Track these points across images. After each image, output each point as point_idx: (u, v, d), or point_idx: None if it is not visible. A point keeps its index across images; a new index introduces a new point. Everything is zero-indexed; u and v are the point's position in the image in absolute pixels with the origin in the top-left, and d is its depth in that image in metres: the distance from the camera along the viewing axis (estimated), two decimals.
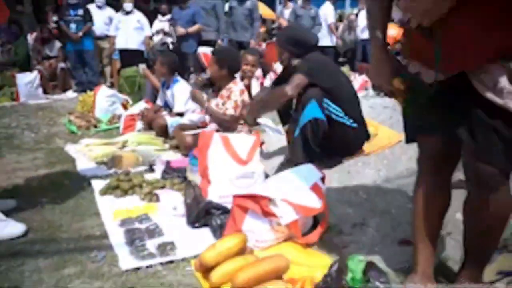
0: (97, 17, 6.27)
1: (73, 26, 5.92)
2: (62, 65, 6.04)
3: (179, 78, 3.70)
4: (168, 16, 6.41)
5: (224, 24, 6.18)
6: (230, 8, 6.35)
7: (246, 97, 2.86)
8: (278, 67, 6.34)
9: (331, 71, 2.38)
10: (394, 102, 3.29)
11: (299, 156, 2.16)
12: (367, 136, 2.41)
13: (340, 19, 9.49)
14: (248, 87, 3.46)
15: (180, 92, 3.54)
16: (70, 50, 6.04)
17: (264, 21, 11.79)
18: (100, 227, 1.82)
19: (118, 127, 3.91)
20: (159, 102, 3.93)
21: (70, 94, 5.91)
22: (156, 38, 6.59)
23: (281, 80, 2.55)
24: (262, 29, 9.94)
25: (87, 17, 6.01)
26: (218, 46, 3.66)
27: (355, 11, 7.68)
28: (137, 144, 3.15)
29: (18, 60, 6.01)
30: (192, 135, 2.73)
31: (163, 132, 3.49)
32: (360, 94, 5.94)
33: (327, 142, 2.22)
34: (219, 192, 1.88)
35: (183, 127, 3.16)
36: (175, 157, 2.89)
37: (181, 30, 5.68)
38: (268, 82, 5.80)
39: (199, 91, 2.94)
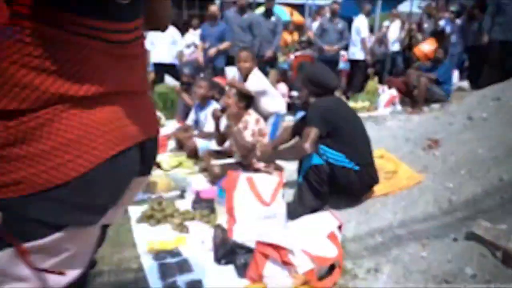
0: None
1: None
2: None
3: (214, 101, 3.89)
4: (199, 31, 6.66)
5: (259, 41, 6.38)
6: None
7: (262, 125, 3.02)
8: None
9: (337, 114, 2.41)
10: (417, 134, 3.36)
11: (308, 200, 2.27)
12: (375, 179, 2.45)
13: (370, 29, 9.45)
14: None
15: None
16: None
17: (298, 28, 11.87)
18: (136, 259, 2.03)
19: None
20: (189, 121, 4.16)
21: None
22: (187, 51, 6.86)
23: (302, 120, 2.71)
24: (294, 37, 10.04)
25: None
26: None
27: (387, 23, 7.65)
28: (169, 167, 3.38)
29: None
30: (220, 166, 2.92)
31: (194, 154, 3.71)
32: (388, 110, 6.05)
33: (333, 183, 2.33)
34: (243, 231, 2.05)
35: (211, 153, 3.36)
36: (204, 183, 3.09)
37: (211, 51, 5.90)
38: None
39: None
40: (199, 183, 3.07)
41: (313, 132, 2.27)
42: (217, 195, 2.52)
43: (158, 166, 3.49)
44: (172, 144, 4.07)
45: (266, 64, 6.71)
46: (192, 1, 12.50)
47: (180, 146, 3.98)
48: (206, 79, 3.98)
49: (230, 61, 6.32)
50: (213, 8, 5.99)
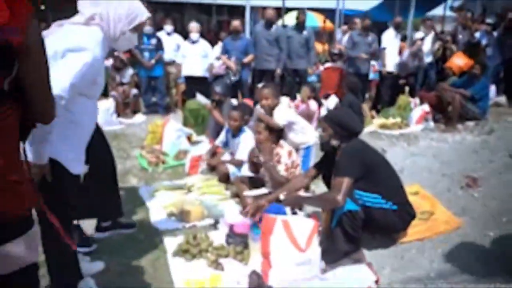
0: (166, 43, 6.73)
1: (146, 54, 6.43)
2: (134, 91, 6.57)
3: (247, 128, 3.90)
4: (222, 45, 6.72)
5: (285, 55, 6.38)
6: (287, 37, 6.53)
7: (294, 156, 3.03)
8: (332, 101, 6.41)
9: (369, 157, 2.40)
10: (454, 170, 3.25)
11: (342, 246, 2.25)
12: (412, 216, 2.42)
13: (403, 38, 9.25)
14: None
15: (246, 142, 3.75)
16: (143, 76, 6.57)
17: (330, 35, 11.74)
18: None
19: (183, 164, 4.26)
20: (218, 142, 4.20)
21: (140, 117, 6.42)
22: (217, 63, 6.94)
23: (323, 159, 2.70)
24: (326, 47, 9.94)
25: (159, 46, 6.48)
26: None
27: (420, 34, 7.46)
28: (201, 193, 3.44)
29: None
30: (252, 197, 2.95)
31: (225, 179, 3.76)
32: (420, 126, 5.91)
33: (369, 227, 2.31)
34: (279, 277, 2.08)
35: (243, 180, 3.39)
36: (236, 212, 3.12)
37: (231, 65, 5.94)
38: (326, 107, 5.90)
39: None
40: (232, 212, 3.09)
41: (345, 183, 2.24)
42: (251, 231, 2.56)
43: (189, 190, 3.57)
44: (203, 165, 4.14)
45: (297, 78, 6.72)
46: (221, 7, 12.58)
47: (212, 168, 4.04)
48: (238, 109, 3.95)
49: (255, 75, 6.39)
50: (236, 23, 6.10)
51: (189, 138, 5.01)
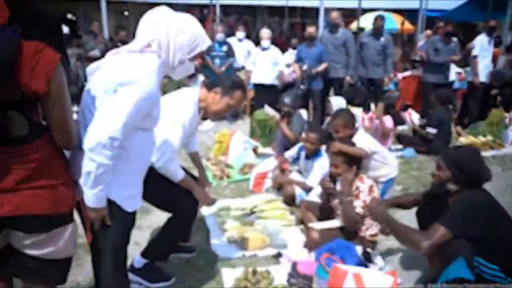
0: (237, 50, 6.66)
1: (217, 61, 6.41)
2: None
3: (324, 152, 3.58)
4: (295, 52, 6.45)
5: (354, 61, 5.96)
6: (362, 44, 6.08)
7: (375, 192, 2.68)
8: (414, 117, 5.84)
9: (490, 216, 1.99)
10: None
11: None
12: None
13: (499, 43, 8.26)
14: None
15: (320, 168, 3.45)
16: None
17: (408, 38, 10.92)
18: None
19: (248, 179, 4.10)
20: (288, 156, 3.95)
21: (208, 124, 6.41)
22: (287, 71, 6.71)
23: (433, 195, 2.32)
24: (399, 54, 9.25)
25: (230, 53, 6.43)
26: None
27: None
28: (263, 217, 3.24)
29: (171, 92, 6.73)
30: (319, 231, 2.67)
31: (291, 200, 3.52)
32: None
33: None
34: None
35: (310, 206, 3.13)
36: (300, 243, 2.88)
37: (300, 74, 5.64)
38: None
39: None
40: (295, 245, 2.86)
41: (442, 235, 1.88)
42: (316, 274, 2.29)
43: (252, 211, 3.39)
44: (268, 183, 3.94)
45: (372, 87, 6.24)
46: (294, 9, 12.33)
47: (278, 186, 3.82)
48: (315, 130, 3.60)
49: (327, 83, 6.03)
50: (311, 29, 5.72)
51: (255, 150, 4.86)
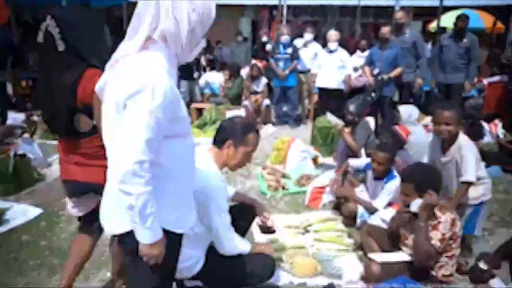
0: (303, 52, 6.38)
1: (281, 64, 6.18)
2: (266, 101, 6.41)
3: (396, 173, 3.10)
4: (367, 54, 5.96)
5: (426, 62, 5.36)
6: (442, 46, 5.43)
7: (457, 228, 2.25)
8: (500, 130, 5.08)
9: None
10: None
11: None
12: None
13: None
14: None
15: (391, 190, 3.03)
16: (276, 86, 6.35)
17: (498, 39, 9.70)
18: None
19: (304, 192, 3.82)
20: (352, 163, 3.54)
21: (269, 128, 6.22)
22: (354, 75, 6.27)
23: None
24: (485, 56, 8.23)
25: (295, 55, 6.17)
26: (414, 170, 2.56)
27: None
28: (318, 238, 2.95)
29: (233, 95, 6.64)
30: (381, 264, 2.31)
31: (351, 219, 3.18)
32: None
33: None
34: None
35: (372, 231, 2.76)
36: (357, 276, 2.55)
37: (370, 79, 5.15)
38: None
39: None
40: (351, 262, 2.54)
41: None
42: None
43: (305, 229, 3.11)
44: (326, 198, 3.62)
45: (450, 94, 5.56)
46: (367, 8, 11.67)
47: (337, 204, 3.48)
48: (385, 149, 3.13)
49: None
50: (384, 30, 5.16)
51: (314, 160, 4.55)
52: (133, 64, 1.31)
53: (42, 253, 2.79)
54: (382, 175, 3.12)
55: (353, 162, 3.57)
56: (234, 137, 1.99)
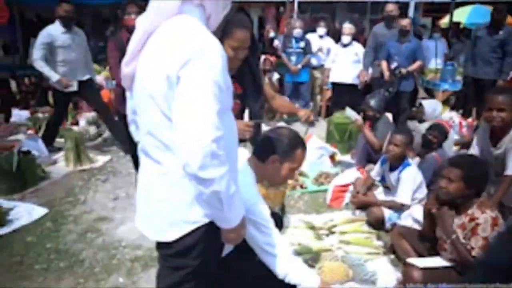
0: (316, 47, 6.16)
1: (293, 58, 5.96)
2: None
3: (411, 161, 2.99)
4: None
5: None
6: (476, 38, 5.14)
7: (500, 228, 2.03)
8: None
9: None
10: None
11: None
12: None
13: None
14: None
15: (409, 179, 2.86)
16: (288, 81, 6.13)
17: None
18: None
19: (324, 190, 3.61)
20: (374, 175, 3.30)
21: (281, 125, 6.01)
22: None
23: None
24: None
25: (308, 50, 5.95)
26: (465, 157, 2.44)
27: None
28: (344, 241, 2.72)
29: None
30: (422, 270, 2.09)
31: (378, 224, 2.96)
32: None
33: None
34: None
35: (404, 232, 2.54)
36: (393, 279, 2.34)
37: (386, 74, 4.90)
38: None
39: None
40: (383, 266, 2.32)
41: None
42: None
43: (329, 230, 2.89)
44: (348, 197, 3.40)
45: (480, 89, 5.23)
46: (376, 4, 11.42)
47: (361, 206, 3.25)
48: (402, 132, 3.04)
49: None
50: (405, 22, 4.89)
51: (332, 157, 4.33)
52: (177, 30, 1.11)
53: (48, 256, 2.59)
54: (397, 162, 2.96)
55: (373, 173, 3.34)
56: (281, 152, 1.72)
